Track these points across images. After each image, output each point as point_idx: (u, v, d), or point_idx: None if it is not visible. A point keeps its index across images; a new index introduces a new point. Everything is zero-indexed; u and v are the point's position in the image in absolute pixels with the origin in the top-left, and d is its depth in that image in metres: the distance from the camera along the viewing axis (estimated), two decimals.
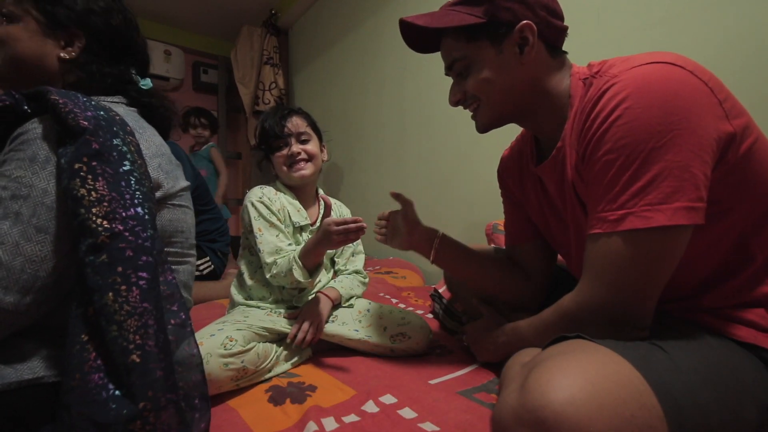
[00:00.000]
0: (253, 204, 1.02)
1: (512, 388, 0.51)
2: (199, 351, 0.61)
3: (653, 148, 0.53)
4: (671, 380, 0.49)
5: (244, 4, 3.06)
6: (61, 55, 0.69)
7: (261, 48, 3.09)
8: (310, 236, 1.06)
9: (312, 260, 0.93)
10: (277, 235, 1.00)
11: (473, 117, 0.76)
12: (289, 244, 1.01)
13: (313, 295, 1.01)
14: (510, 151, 0.89)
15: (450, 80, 0.77)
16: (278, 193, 1.08)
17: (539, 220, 0.83)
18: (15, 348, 0.55)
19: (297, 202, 1.09)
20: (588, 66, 0.68)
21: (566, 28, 0.69)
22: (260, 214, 1.01)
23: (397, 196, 0.91)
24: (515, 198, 0.88)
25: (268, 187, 1.09)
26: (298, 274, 0.90)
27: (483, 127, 0.76)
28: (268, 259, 0.96)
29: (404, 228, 0.90)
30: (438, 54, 0.78)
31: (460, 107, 0.77)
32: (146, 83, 0.77)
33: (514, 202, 0.89)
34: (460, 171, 1.83)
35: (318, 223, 1.10)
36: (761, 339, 0.57)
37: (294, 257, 0.92)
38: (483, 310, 0.90)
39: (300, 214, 1.08)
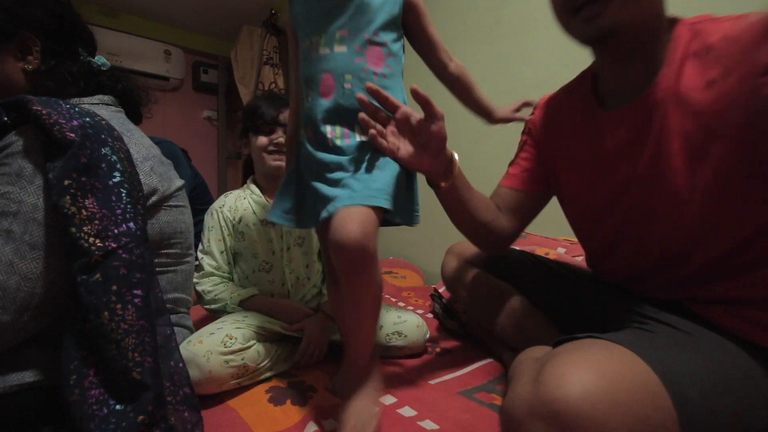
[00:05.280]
0: (211, 213, 1.09)
1: (525, 381, 0.51)
2: (185, 365, 0.61)
3: None
4: (687, 384, 0.48)
5: (244, 4, 3.05)
6: (25, 67, 0.66)
7: (261, 48, 3.09)
8: (278, 232, 1.07)
9: (258, 309, 0.98)
10: (221, 252, 1.07)
11: (590, 16, 0.60)
12: (217, 268, 1.07)
13: (312, 295, 1.02)
14: (552, 99, 0.82)
15: None
16: (244, 197, 1.10)
17: (570, 174, 0.76)
18: (17, 351, 0.55)
19: (263, 200, 1.09)
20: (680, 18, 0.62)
21: None
22: (212, 228, 1.08)
23: (425, 104, 0.65)
24: (542, 148, 0.82)
25: (233, 193, 1.12)
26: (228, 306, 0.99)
27: (608, 26, 0.59)
28: (198, 280, 1.05)
29: (434, 145, 0.68)
30: None
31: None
32: (104, 62, 0.74)
33: (537, 151, 0.83)
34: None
35: None
36: None
37: (233, 302, 1.00)
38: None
39: (265, 210, 1.08)
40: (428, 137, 0.67)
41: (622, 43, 0.63)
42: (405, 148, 0.68)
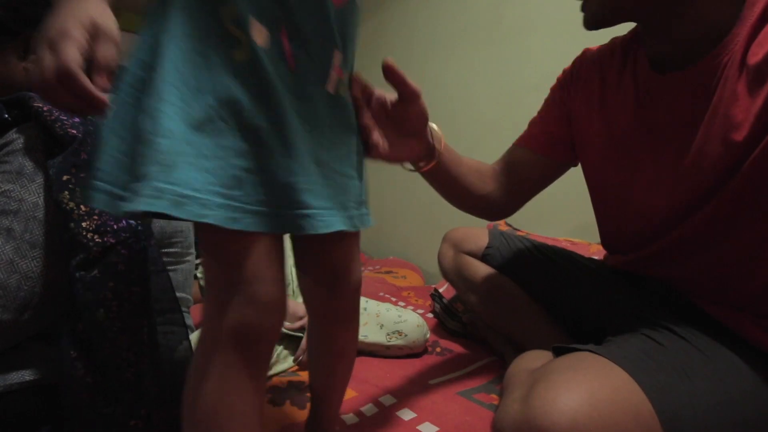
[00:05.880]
0: None
1: (515, 397, 0.50)
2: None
3: None
4: (687, 417, 0.46)
5: None
6: (29, 66, 0.65)
7: None
8: None
9: None
10: None
11: (582, 7, 0.59)
12: None
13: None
14: (598, 52, 0.72)
15: None
16: None
17: (604, 140, 0.68)
18: (17, 350, 0.55)
19: None
20: None
21: None
22: None
23: (402, 84, 0.51)
24: (574, 106, 0.73)
25: None
26: None
27: (593, 19, 0.58)
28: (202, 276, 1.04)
29: (416, 128, 0.58)
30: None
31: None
32: None
33: (565, 110, 0.74)
34: None
35: None
36: None
37: None
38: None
39: None
40: (408, 121, 0.55)
41: (640, 17, 0.58)
42: (386, 140, 0.54)
